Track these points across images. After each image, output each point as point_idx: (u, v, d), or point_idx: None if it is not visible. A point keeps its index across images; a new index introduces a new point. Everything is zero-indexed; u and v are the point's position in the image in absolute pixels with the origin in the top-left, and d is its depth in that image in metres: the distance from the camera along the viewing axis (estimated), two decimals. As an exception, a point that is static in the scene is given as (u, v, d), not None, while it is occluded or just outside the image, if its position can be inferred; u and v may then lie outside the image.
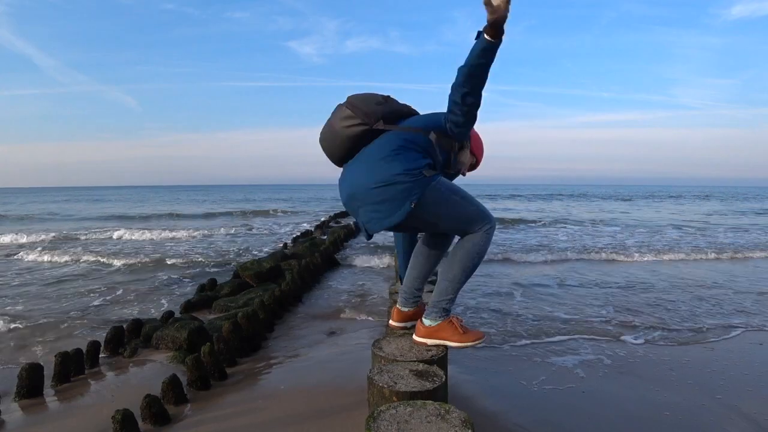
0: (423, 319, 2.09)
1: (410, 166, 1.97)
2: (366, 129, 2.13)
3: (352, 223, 13.85)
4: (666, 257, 9.34)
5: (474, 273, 2.15)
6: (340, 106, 2.20)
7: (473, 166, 2.44)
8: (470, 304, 5.54)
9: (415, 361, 1.76)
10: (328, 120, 2.22)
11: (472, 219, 2.06)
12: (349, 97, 2.21)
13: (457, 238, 2.20)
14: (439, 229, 2.16)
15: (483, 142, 2.46)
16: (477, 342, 2.06)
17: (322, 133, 2.27)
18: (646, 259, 9.17)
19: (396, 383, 1.53)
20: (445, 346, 2.04)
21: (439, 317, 2.07)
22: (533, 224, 17.44)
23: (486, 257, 2.26)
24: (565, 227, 16.44)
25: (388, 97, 2.21)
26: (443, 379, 1.55)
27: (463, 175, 2.40)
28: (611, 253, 9.65)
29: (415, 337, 2.11)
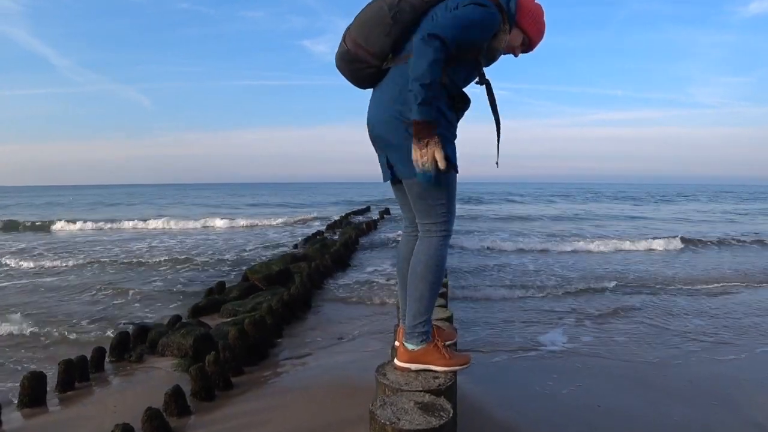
0: (405, 343, 1.96)
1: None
2: (375, 71, 1.99)
3: (363, 223, 13.77)
4: None
5: (440, 285, 2.02)
6: (343, 42, 1.99)
7: (528, 47, 2.10)
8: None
9: (420, 391, 1.64)
10: (339, 49, 2.04)
11: (441, 214, 1.96)
12: (351, 29, 1.97)
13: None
14: (411, 200, 2.04)
15: (542, 14, 2.06)
16: (464, 366, 1.95)
17: (336, 59, 2.08)
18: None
19: (399, 419, 1.42)
20: (444, 372, 1.92)
21: (421, 341, 1.93)
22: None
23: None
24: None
25: (398, 9, 1.92)
26: (450, 414, 1.44)
27: (515, 56, 2.12)
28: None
29: (397, 362, 1.97)
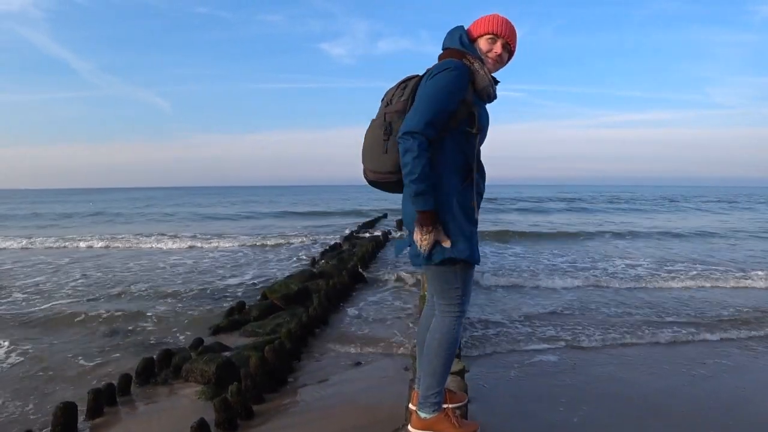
0: (418, 411, 2.15)
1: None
2: (400, 180, 2.11)
3: (380, 234, 13.86)
4: None
5: (452, 361, 2.18)
6: (364, 175, 2.19)
7: (509, 51, 2.14)
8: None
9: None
10: (366, 179, 2.24)
11: (455, 297, 2.10)
12: (363, 161, 2.16)
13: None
14: (429, 281, 2.22)
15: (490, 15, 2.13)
16: None
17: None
18: None
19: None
20: None
21: (433, 411, 2.12)
22: None
23: None
24: None
25: (387, 124, 2.06)
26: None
27: (505, 63, 2.15)
28: None
29: (411, 428, 2.16)
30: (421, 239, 1.96)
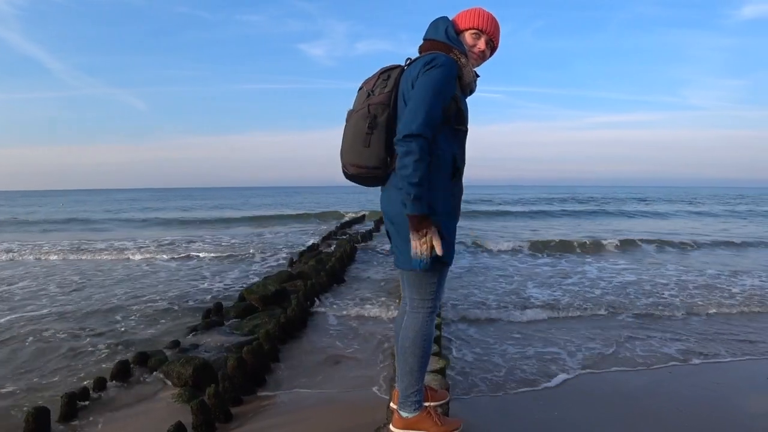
0: (399, 411, 2.14)
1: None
2: (383, 175, 2.08)
3: (358, 234, 13.83)
4: None
5: (429, 358, 2.17)
6: (344, 169, 2.13)
7: (492, 46, 2.14)
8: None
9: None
10: (345, 173, 2.16)
11: (430, 292, 2.09)
12: (343, 154, 2.09)
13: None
14: (405, 276, 2.18)
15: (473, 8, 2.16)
16: (455, 431, 2.11)
17: (349, 179, 2.23)
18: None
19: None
20: None
21: (414, 409, 2.11)
22: None
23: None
24: None
25: (371, 116, 2.00)
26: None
27: (488, 57, 2.17)
28: None
29: (392, 428, 2.15)
30: (420, 245, 1.88)
